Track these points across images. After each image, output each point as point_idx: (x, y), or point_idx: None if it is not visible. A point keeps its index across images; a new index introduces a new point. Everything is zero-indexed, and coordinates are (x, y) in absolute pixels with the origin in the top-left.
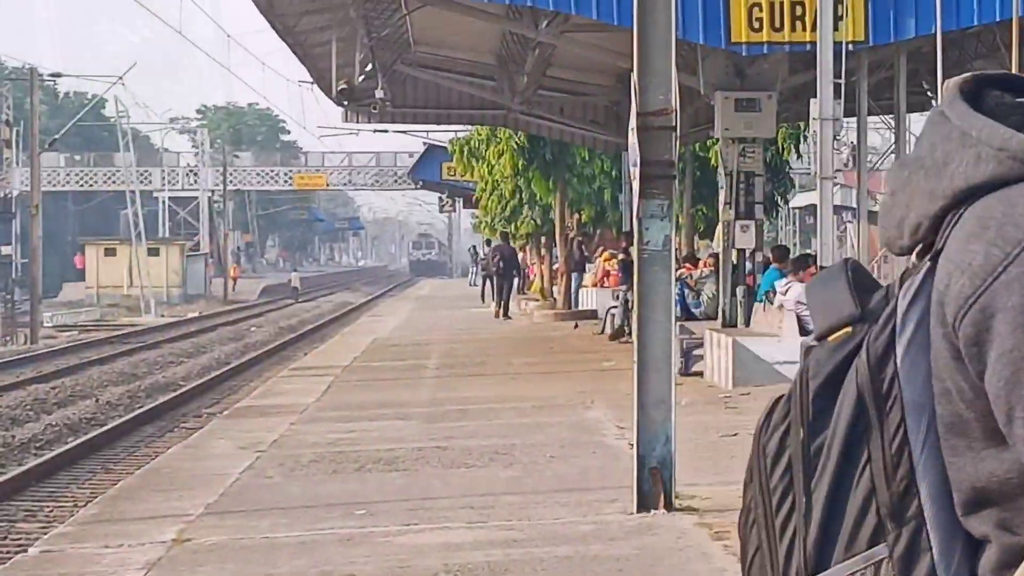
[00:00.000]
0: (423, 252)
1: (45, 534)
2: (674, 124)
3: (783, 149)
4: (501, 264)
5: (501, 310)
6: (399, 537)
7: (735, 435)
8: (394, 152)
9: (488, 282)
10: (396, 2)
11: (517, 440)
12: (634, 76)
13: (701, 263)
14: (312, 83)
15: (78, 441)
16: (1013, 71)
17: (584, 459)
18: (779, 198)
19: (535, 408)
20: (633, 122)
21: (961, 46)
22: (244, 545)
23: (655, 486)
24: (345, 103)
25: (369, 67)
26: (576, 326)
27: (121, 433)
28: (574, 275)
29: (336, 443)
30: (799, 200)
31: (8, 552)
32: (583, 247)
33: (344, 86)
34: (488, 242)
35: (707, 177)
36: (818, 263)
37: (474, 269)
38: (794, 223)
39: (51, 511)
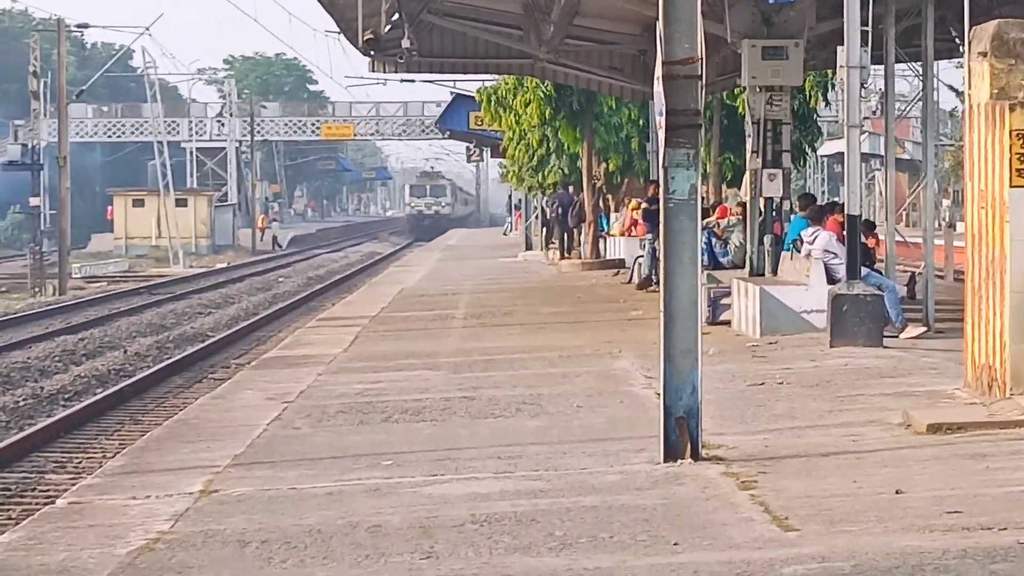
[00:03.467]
0: (429, 201)
1: (74, 485)
2: (700, 73)
3: (811, 97)
4: (560, 211)
5: (558, 255)
6: (426, 487)
7: (762, 384)
8: (422, 102)
9: (546, 229)
10: None
11: (544, 390)
12: (659, 25)
13: (718, 211)
14: (339, 33)
15: (106, 392)
16: None
17: (611, 409)
18: (807, 146)
19: (562, 358)
20: (659, 71)
21: None
22: (271, 496)
23: (681, 436)
24: (371, 53)
25: (396, 17)
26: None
27: (149, 384)
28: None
29: (363, 394)
30: (827, 148)
31: (37, 503)
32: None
33: (370, 36)
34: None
35: (735, 126)
36: (845, 211)
37: (511, 219)
38: (822, 171)
39: (80, 462)
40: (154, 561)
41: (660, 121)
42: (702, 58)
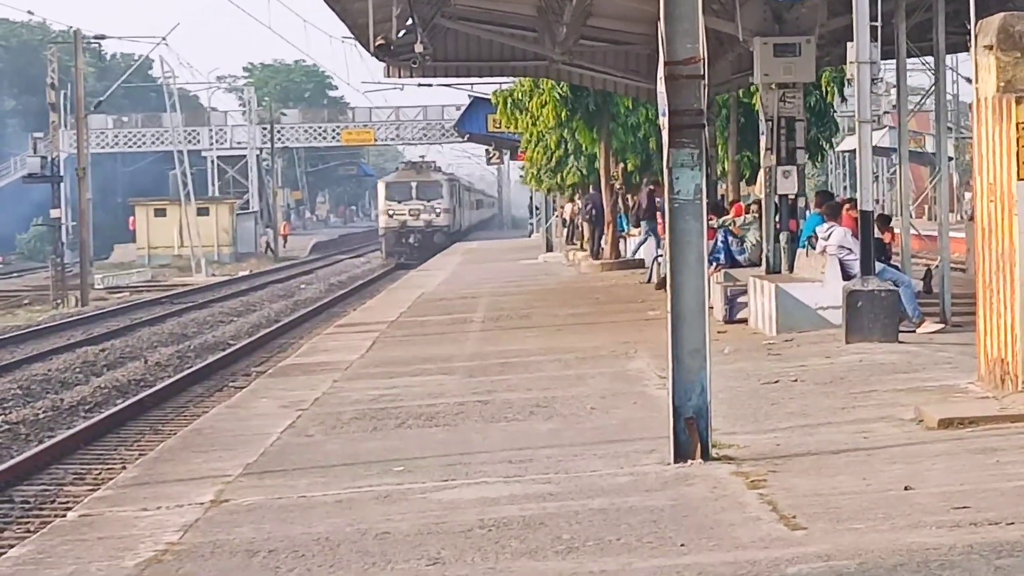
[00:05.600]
0: (415, 207)
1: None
2: (702, 73)
3: (827, 93)
4: (593, 212)
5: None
6: (436, 493)
7: (776, 382)
8: (441, 106)
9: (577, 230)
10: None
11: (558, 392)
12: (660, 24)
13: (733, 209)
14: (354, 39)
15: (127, 403)
16: None
17: (625, 410)
18: (824, 142)
19: (578, 360)
20: (661, 71)
21: None
22: (282, 505)
23: (691, 436)
24: (385, 59)
25: (408, 22)
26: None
27: (170, 394)
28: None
29: (378, 400)
30: (848, 143)
31: (57, 515)
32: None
33: (382, 41)
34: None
35: (752, 124)
36: (858, 206)
37: (533, 221)
38: (844, 166)
39: (99, 473)
40: (162, 573)
41: (663, 122)
42: (704, 58)
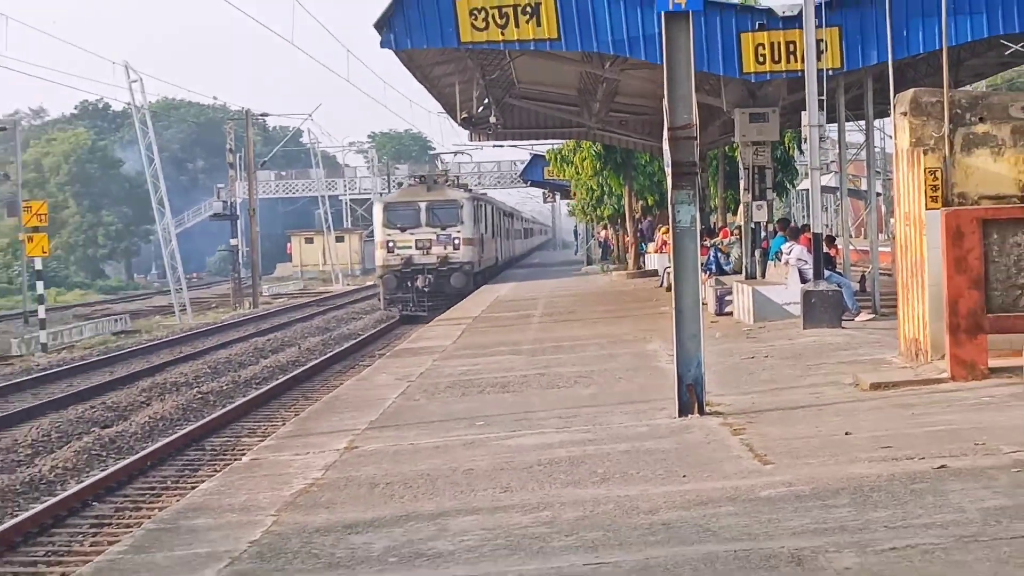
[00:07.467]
0: (423, 237)
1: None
2: (696, 135)
3: (789, 148)
4: (641, 234)
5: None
6: (506, 440)
7: (752, 358)
8: (510, 160)
9: (610, 249)
10: (502, 54)
11: (595, 367)
12: (665, 100)
13: (721, 232)
14: (444, 114)
15: (285, 378)
16: (944, 86)
17: (643, 379)
18: (788, 184)
19: (610, 343)
20: (666, 134)
21: (913, 68)
22: (395, 450)
23: (691, 398)
24: (468, 127)
25: (486, 101)
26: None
27: (316, 371)
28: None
29: (465, 373)
30: (804, 184)
31: (231, 460)
32: (652, 224)
33: (466, 115)
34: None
35: (734, 171)
36: (810, 230)
37: (576, 243)
38: (802, 201)
39: (265, 429)
40: (309, 499)
41: (668, 171)
42: (697, 124)
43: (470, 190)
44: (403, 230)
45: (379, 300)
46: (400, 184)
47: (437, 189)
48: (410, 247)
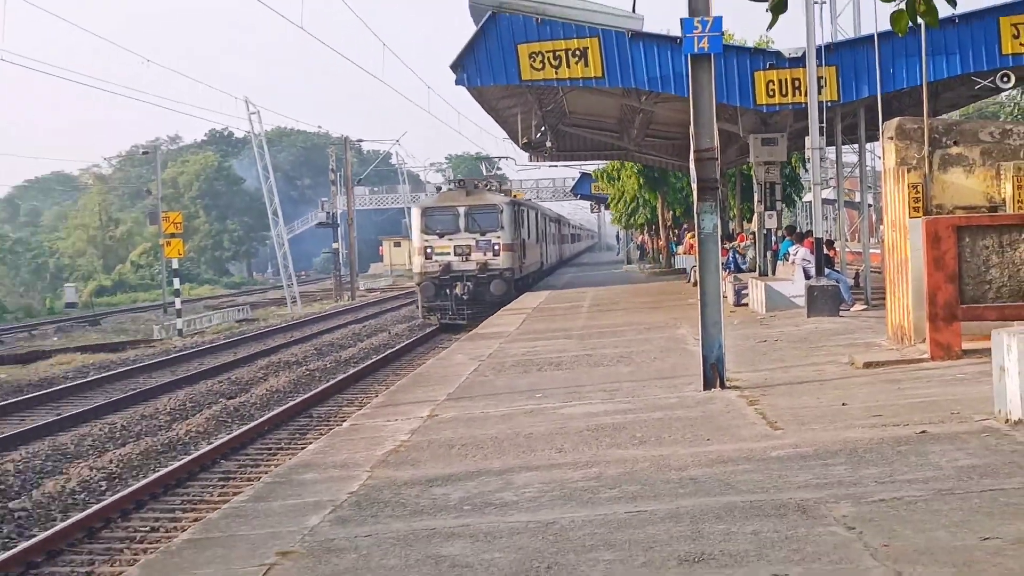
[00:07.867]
0: (462, 244)
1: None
2: (717, 156)
3: (795, 167)
4: (683, 235)
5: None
6: (560, 409)
7: (764, 341)
8: (564, 177)
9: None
10: (556, 89)
11: (634, 348)
12: (691, 127)
13: (738, 237)
14: (508, 139)
15: (378, 357)
16: (924, 116)
17: (674, 359)
18: (795, 196)
19: (647, 328)
20: (692, 156)
21: (898, 100)
22: (469, 417)
23: (713, 375)
24: (528, 150)
25: (543, 128)
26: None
27: (404, 352)
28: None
29: (526, 354)
30: (808, 197)
31: (334, 425)
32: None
33: (526, 140)
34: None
35: (749, 186)
36: (813, 235)
37: (617, 245)
38: (807, 212)
39: (362, 400)
40: (398, 458)
41: (694, 187)
42: (718, 147)
43: (511, 197)
44: (441, 236)
45: (417, 308)
46: (438, 189)
47: (476, 194)
48: (448, 253)
